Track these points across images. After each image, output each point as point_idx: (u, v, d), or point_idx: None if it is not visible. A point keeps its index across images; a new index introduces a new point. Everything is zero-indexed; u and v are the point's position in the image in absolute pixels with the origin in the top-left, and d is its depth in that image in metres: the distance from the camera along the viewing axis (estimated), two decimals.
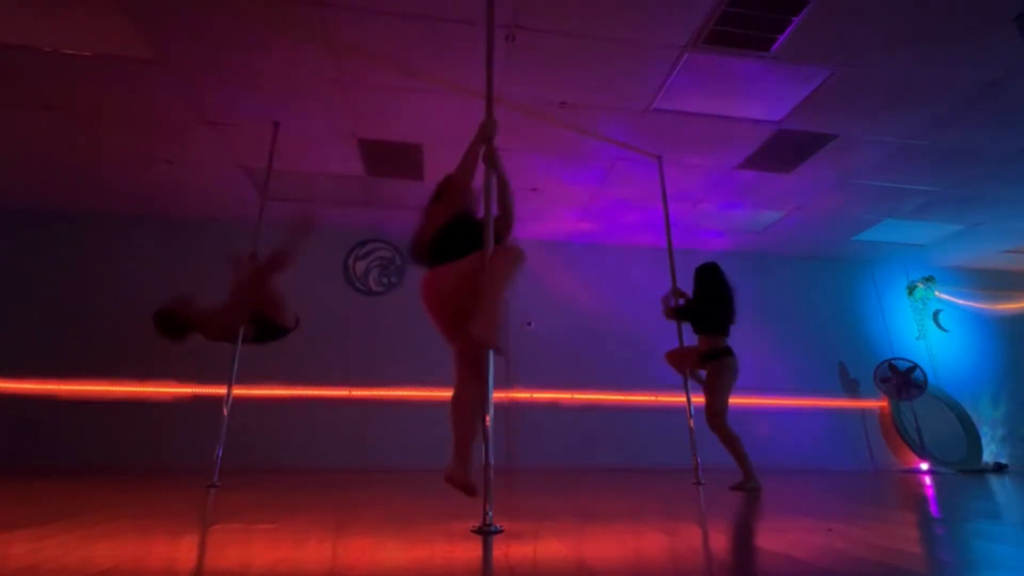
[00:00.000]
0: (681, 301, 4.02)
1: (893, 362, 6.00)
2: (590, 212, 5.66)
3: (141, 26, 3.19)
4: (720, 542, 1.56)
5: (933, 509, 2.50)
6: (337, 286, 5.77)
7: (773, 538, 1.53)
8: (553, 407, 5.57)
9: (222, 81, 3.67)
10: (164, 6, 3.06)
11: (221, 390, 3.50)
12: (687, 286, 4.05)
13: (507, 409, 5.47)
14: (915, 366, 5.92)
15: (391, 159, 4.63)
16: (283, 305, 3.51)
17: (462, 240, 2.10)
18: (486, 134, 2.18)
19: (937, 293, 6.69)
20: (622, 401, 5.65)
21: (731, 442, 3.46)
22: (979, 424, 6.14)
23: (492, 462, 1.75)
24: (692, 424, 3.78)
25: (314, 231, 3.67)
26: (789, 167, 4.74)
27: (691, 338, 3.93)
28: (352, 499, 2.69)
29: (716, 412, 3.51)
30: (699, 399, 3.70)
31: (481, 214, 2.11)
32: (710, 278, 3.80)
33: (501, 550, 1.39)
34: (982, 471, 5.63)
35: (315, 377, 5.22)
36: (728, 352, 3.61)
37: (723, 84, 3.69)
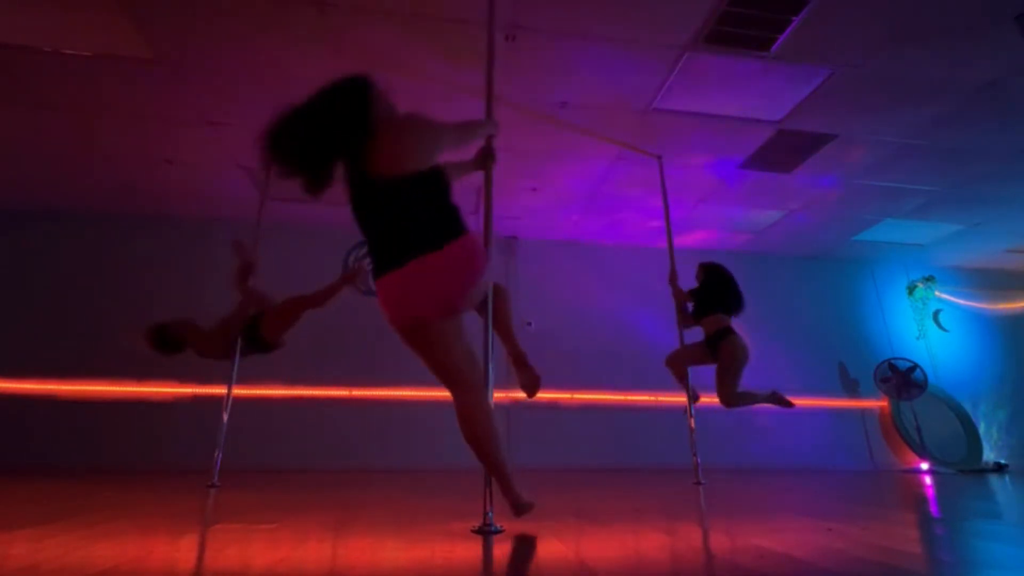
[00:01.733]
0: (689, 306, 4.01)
1: (893, 362, 6.00)
2: (590, 212, 5.66)
3: (141, 26, 3.20)
4: (720, 542, 1.56)
5: (933, 509, 2.50)
6: None
7: (773, 538, 1.53)
8: (553, 407, 5.57)
9: (222, 81, 3.67)
10: (164, 6, 3.06)
11: (221, 390, 3.50)
12: (688, 286, 4.06)
13: (507, 409, 5.46)
14: (915, 366, 5.92)
15: None
16: (281, 320, 3.42)
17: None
18: (488, 130, 2.14)
19: (937, 293, 6.69)
20: (622, 401, 5.65)
21: (747, 400, 3.70)
22: (979, 424, 6.14)
23: None
24: (692, 424, 3.77)
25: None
26: (789, 167, 4.74)
27: (691, 339, 3.94)
28: (352, 499, 2.69)
29: (730, 395, 3.58)
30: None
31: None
32: (717, 269, 3.88)
33: (501, 550, 1.39)
34: (982, 471, 5.63)
35: (315, 377, 5.22)
36: (732, 331, 3.63)
37: (723, 84, 3.69)
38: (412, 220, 1.61)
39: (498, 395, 5.39)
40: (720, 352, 3.62)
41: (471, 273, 1.63)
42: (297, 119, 1.68)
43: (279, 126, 1.66)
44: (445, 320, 1.62)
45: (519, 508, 1.72)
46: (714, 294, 3.77)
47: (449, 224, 1.64)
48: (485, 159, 2.12)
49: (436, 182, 1.68)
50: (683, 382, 3.84)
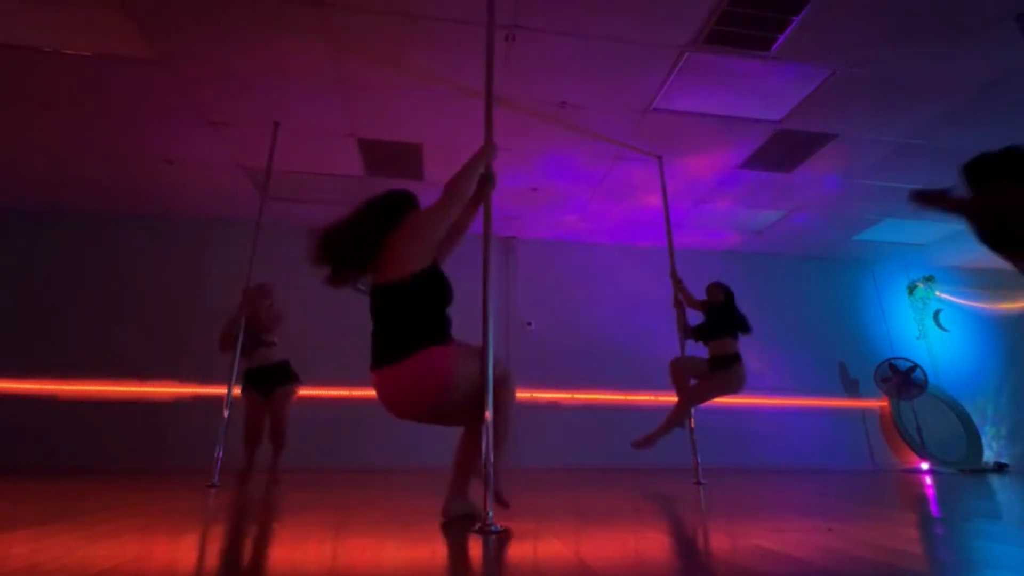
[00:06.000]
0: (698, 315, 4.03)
1: (893, 362, 6.00)
2: (590, 212, 5.66)
3: (141, 26, 3.20)
4: (720, 542, 1.56)
5: (933, 509, 2.50)
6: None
7: (773, 538, 1.53)
8: (553, 407, 5.57)
9: (222, 81, 3.67)
10: (164, 6, 3.06)
11: (221, 390, 3.50)
12: (689, 286, 4.07)
13: None
14: (915, 366, 5.91)
15: (391, 159, 4.63)
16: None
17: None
18: (486, 157, 2.09)
19: (937, 293, 6.69)
20: (622, 401, 5.65)
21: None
22: (979, 424, 6.14)
23: (492, 462, 1.74)
24: (692, 424, 3.77)
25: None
26: (789, 167, 4.74)
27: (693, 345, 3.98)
28: (352, 499, 2.69)
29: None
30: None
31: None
32: (728, 291, 3.94)
33: (501, 550, 1.39)
34: (983, 471, 5.63)
35: (315, 377, 5.21)
36: (738, 358, 3.72)
37: (723, 84, 3.69)
38: (387, 329, 1.77)
39: None
40: (727, 377, 3.71)
41: (431, 387, 1.70)
42: (335, 234, 1.90)
43: (328, 236, 1.89)
44: (433, 407, 1.75)
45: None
46: (731, 317, 3.83)
47: (418, 334, 1.72)
48: (483, 185, 2.08)
49: (421, 287, 1.78)
50: (681, 392, 3.83)
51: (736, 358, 3.72)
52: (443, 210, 1.88)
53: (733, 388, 3.73)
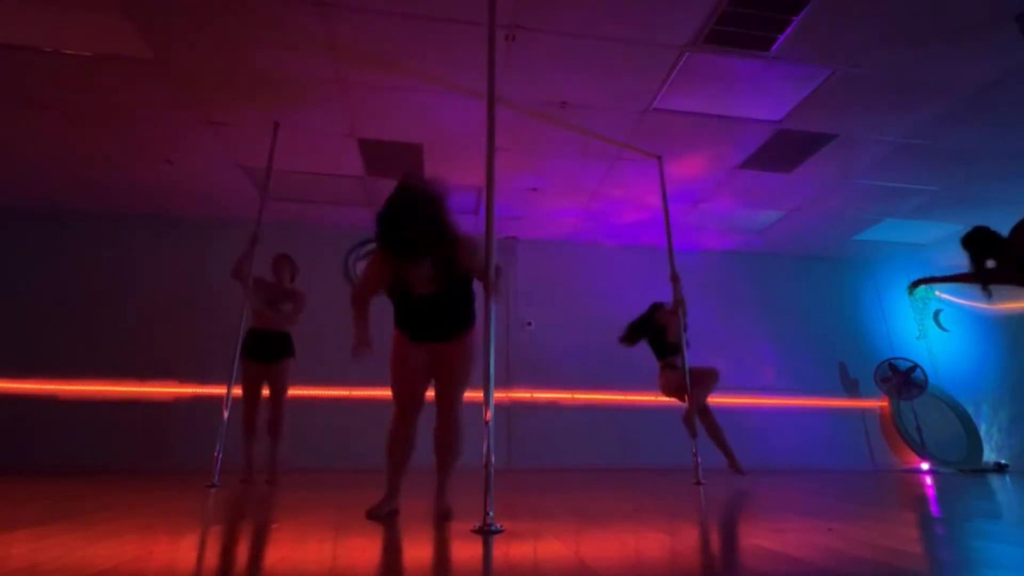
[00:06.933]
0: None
1: (893, 362, 6.00)
2: (590, 212, 5.66)
3: (141, 26, 3.20)
4: (720, 542, 1.56)
5: (933, 509, 2.50)
6: (337, 286, 5.76)
7: (773, 538, 1.53)
8: (553, 407, 5.57)
9: (222, 81, 3.67)
10: (164, 6, 3.06)
11: (221, 390, 3.50)
12: (686, 286, 4.09)
13: (507, 409, 5.46)
14: (915, 366, 5.91)
15: (391, 159, 4.63)
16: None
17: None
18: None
19: (937, 293, 6.69)
20: (622, 401, 5.64)
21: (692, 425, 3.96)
22: (979, 424, 6.14)
23: (492, 462, 1.74)
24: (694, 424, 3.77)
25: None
26: (789, 167, 4.74)
27: (694, 349, 4.20)
28: (352, 499, 2.69)
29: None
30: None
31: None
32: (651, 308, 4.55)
33: (501, 550, 1.39)
34: (983, 471, 5.63)
35: (315, 377, 5.21)
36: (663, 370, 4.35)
37: (723, 84, 3.69)
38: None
39: (497, 395, 5.42)
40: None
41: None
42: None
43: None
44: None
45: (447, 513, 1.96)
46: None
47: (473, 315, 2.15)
48: (496, 279, 2.00)
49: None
50: (695, 420, 4.04)
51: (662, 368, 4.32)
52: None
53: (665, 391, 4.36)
